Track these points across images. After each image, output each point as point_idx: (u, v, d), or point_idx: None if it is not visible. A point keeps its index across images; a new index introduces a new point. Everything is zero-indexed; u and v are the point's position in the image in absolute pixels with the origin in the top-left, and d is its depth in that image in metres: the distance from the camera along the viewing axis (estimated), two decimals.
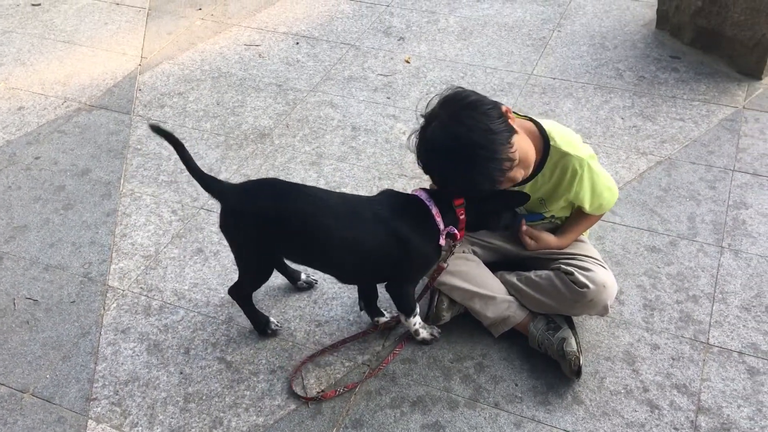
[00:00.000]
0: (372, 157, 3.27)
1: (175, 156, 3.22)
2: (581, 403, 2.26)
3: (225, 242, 2.83)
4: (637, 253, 2.73)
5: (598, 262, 2.34)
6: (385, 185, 3.10)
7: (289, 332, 2.51)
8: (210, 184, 2.22)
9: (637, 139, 3.26)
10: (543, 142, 2.18)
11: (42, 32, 4.38)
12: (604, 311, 2.31)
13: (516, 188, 2.24)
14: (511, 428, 2.20)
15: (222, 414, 2.27)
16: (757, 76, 3.57)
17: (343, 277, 2.38)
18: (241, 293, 2.41)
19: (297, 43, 4.11)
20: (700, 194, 2.96)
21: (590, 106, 3.46)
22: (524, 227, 2.34)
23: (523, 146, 2.06)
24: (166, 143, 2.22)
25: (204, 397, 2.32)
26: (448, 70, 3.79)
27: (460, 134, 1.97)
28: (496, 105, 2.05)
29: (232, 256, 2.76)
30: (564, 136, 2.19)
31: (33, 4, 4.68)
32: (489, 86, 3.61)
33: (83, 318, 2.61)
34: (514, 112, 2.15)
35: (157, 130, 2.19)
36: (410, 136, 2.14)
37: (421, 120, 2.10)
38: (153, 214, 3.03)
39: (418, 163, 2.12)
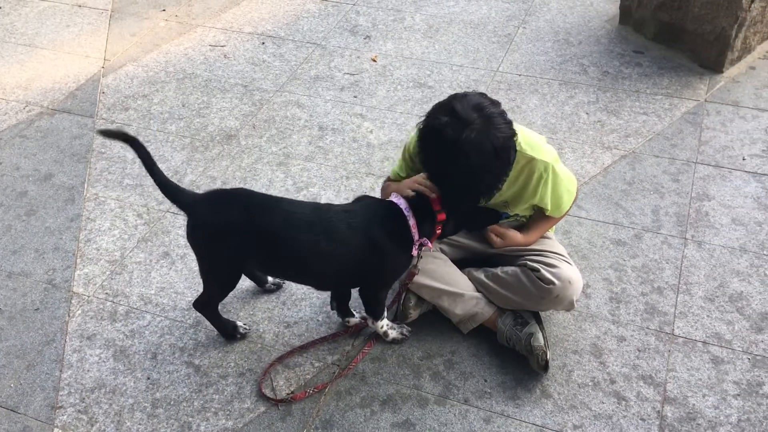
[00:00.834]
0: (339, 157, 3.26)
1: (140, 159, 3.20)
2: (549, 396, 2.27)
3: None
4: (603, 247, 2.75)
5: (563, 258, 2.36)
6: (353, 184, 3.09)
7: (258, 334, 2.50)
8: (175, 194, 2.18)
9: (601, 134, 3.29)
10: None
11: (2, 36, 4.30)
12: (570, 306, 2.32)
13: None
14: (481, 424, 2.21)
15: (191, 419, 2.25)
16: (718, 70, 3.62)
17: (319, 287, 2.37)
18: (207, 305, 2.38)
19: (263, 43, 4.09)
20: (664, 187, 2.99)
21: (555, 102, 3.49)
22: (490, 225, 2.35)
23: None
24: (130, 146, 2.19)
25: (172, 402, 2.30)
26: (414, 68, 3.80)
27: (498, 140, 1.95)
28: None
29: (196, 258, 2.75)
30: (529, 140, 2.19)
31: None
32: (455, 83, 3.62)
33: (48, 325, 2.57)
34: None
35: (113, 134, 2.16)
36: (418, 135, 2.07)
37: (423, 122, 2.03)
38: (118, 219, 2.99)
39: (426, 164, 2.07)
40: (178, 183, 3.07)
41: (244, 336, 2.48)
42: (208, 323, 2.48)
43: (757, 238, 2.75)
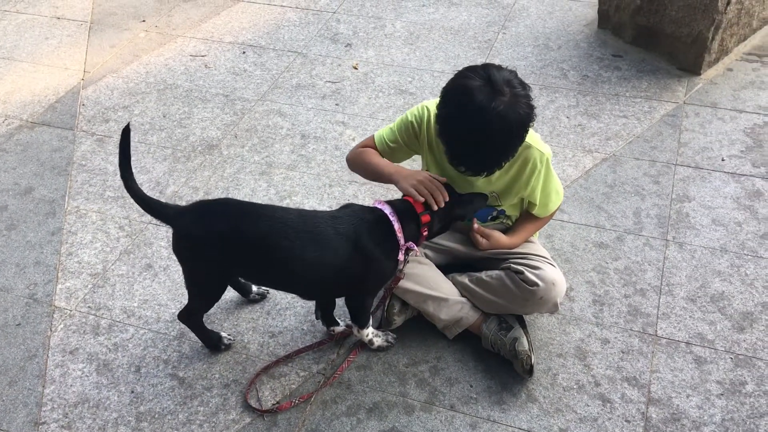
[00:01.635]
0: (322, 165, 3.26)
1: None
2: (535, 400, 2.28)
3: (175, 256, 2.80)
4: (585, 250, 2.77)
5: (547, 260, 2.37)
6: (336, 192, 3.09)
7: (243, 345, 2.49)
8: (157, 209, 2.17)
9: (582, 138, 3.31)
10: None
11: None
12: (554, 308, 2.33)
13: (472, 177, 2.24)
14: (467, 429, 2.21)
15: (175, 431, 2.24)
16: (696, 72, 3.66)
17: (305, 295, 2.36)
18: (192, 317, 2.37)
19: (243, 53, 4.08)
20: (645, 189, 3.02)
21: (536, 107, 3.49)
22: (476, 226, 2.35)
23: None
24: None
25: (156, 416, 2.28)
26: (396, 75, 3.81)
27: (520, 118, 1.98)
28: None
29: (182, 269, 2.73)
30: (530, 132, 2.20)
31: None
32: (437, 89, 3.61)
33: (29, 341, 2.55)
34: None
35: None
36: (447, 86, 2.05)
37: (455, 79, 2.03)
38: (100, 231, 2.97)
39: (443, 119, 2.05)
40: (160, 194, 3.10)
41: (228, 347, 2.47)
42: (192, 335, 2.46)
43: (737, 238, 2.78)
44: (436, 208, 2.14)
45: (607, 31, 4.02)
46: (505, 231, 2.43)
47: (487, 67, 2.00)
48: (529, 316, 2.47)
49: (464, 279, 2.43)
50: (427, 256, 2.47)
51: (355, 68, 3.90)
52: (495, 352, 2.37)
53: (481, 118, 1.95)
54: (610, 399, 2.27)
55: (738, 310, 2.52)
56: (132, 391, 2.36)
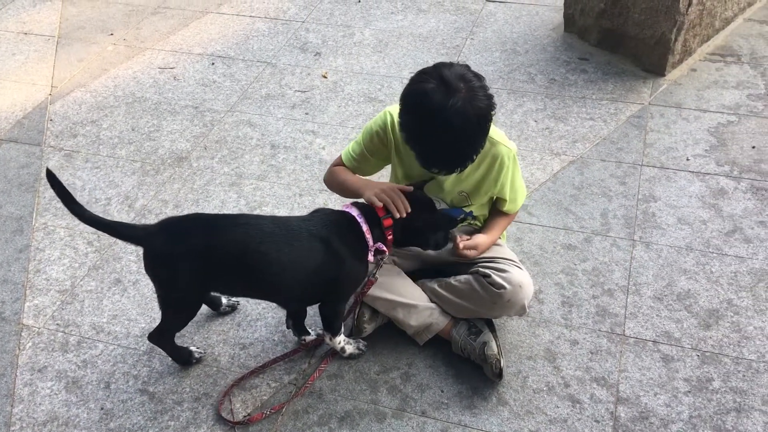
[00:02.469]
0: (292, 174, 3.26)
1: (90, 186, 3.17)
2: (506, 403, 2.29)
3: (144, 270, 2.78)
4: (554, 252, 2.79)
5: (514, 263, 2.39)
6: (307, 201, 3.10)
7: (214, 357, 2.48)
8: (122, 232, 2.17)
9: (550, 141, 3.35)
10: None
11: None
12: (522, 311, 2.35)
13: (441, 178, 2.27)
14: None
15: None
16: (660, 73, 3.71)
17: (283, 302, 2.36)
18: (163, 337, 2.35)
19: (213, 64, 4.08)
20: (612, 190, 3.05)
21: (504, 111, 3.53)
22: (461, 244, 2.32)
23: None
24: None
25: None
26: (365, 83, 3.82)
27: (481, 110, 1.99)
28: None
29: (151, 284, 2.71)
30: (494, 129, 2.23)
31: None
32: None
33: None
34: None
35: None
36: (403, 95, 2.07)
37: (410, 85, 2.05)
38: (68, 247, 2.95)
39: (406, 127, 2.08)
40: (129, 208, 3.08)
41: (199, 360, 2.46)
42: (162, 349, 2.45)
43: (703, 236, 2.81)
44: (397, 215, 2.15)
45: (573, 35, 4.07)
46: (474, 233, 2.44)
47: (437, 68, 2.03)
48: (499, 320, 2.49)
49: (433, 284, 2.44)
50: (395, 263, 2.48)
51: (325, 77, 3.91)
52: (465, 356, 2.39)
53: (442, 117, 1.97)
54: (579, 400, 2.29)
55: (704, 307, 2.55)
56: (102, 408, 2.34)
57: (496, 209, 2.43)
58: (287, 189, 3.18)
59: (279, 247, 2.10)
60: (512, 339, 2.48)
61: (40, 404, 2.37)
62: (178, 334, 2.43)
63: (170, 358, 2.44)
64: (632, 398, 2.28)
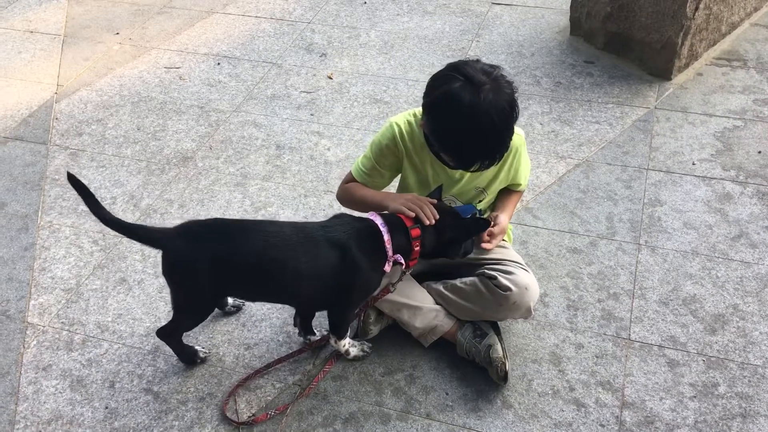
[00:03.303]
0: (297, 175, 3.26)
1: (95, 185, 3.16)
2: (510, 407, 2.29)
3: (149, 270, 2.79)
4: (559, 255, 2.79)
5: (520, 265, 2.38)
6: (312, 202, 3.10)
7: (218, 357, 2.48)
8: (142, 234, 2.16)
9: (555, 144, 3.34)
10: None
11: None
12: (527, 314, 2.35)
13: (456, 178, 2.28)
14: None
15: None
16: (666, 77, 3.71)
17: (299, 306, 2.36)
18: (173, 335, 2.35)
19: (218, 64, 4.08)
20: (617, 194, 3.05)
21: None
22: (490, 244, 2.28)
23: None
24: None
25: (131, 431, 2.27)
26: (370, 84, 3.82)
27: (510, 97, 2.00)
28: None
29: (156, 283, 2.72)
30: None
31: None
32: (411, 98, 3.65)
33: (1, 358, 2.52)
34: None
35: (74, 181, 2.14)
36: (429, 104, 2.07)
37: (433, 92, 2.05)
38: (73, 246, 2.95)
39: (438, 134, 2.07)
40: (135, 207, 3.08)
41: (204, 360, 2.46)
42: (167, 349, 2.44)
43: (708, 241, 2.81)
44: (427, 223, 2.14)
45: (579, 38, 4.07)
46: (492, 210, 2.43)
47: (457, 67, 2.03)
48: (504, 323, 2.48)
49: (439, 286, 2.44)
50: None
51: (330, 78, 3.91)
52: (470, 359, 2.38)
53: (478, 113, 1.96)
54: (584, 404, 2.28)
55: (709, 312, 2.55)
56: (106, 407, 2.34)
57: (506, 189, 2.43)
58: (292, 190, 3.18)
59: (298, 255, 2.10)
60: (517, 342, 2.48)
61: (44, 403, 2.37)
62: (183, 334, 2.43)
63: (175, 357, 2.44)
64: (637, 403, 2.28)
